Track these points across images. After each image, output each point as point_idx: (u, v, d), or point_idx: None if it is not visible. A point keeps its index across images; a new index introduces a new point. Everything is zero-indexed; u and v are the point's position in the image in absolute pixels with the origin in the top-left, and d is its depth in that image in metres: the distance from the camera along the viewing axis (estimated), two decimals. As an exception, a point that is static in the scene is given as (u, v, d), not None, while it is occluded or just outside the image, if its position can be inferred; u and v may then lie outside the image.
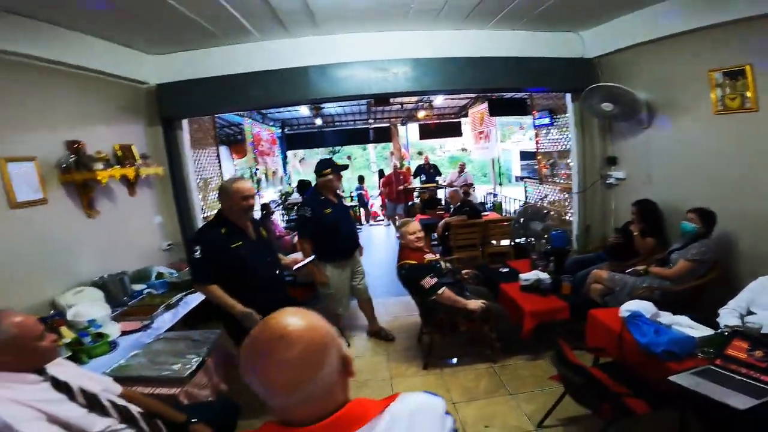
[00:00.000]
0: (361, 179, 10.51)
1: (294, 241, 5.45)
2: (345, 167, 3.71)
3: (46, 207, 2.89)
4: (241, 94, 4.34)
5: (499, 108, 7.88)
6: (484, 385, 3.14)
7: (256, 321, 2.36)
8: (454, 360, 3.49)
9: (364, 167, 19.99)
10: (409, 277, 3.26)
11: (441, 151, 22.29)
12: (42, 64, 2.99)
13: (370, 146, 17.75)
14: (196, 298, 3.36)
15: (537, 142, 6.02)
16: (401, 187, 8.68)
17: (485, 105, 8.52)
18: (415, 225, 3.42)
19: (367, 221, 10.64)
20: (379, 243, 8.42)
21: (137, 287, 3.43)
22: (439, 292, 3.15)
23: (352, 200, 10.19)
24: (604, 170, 4.72)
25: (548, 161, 5.77)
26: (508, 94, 7.70)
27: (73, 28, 3.16)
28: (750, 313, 2.41)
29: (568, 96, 4.95)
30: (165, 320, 2.98)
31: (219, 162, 5.64)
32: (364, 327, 4.17)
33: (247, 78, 4.27)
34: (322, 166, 3.71)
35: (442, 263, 3.50)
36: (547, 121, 5.67)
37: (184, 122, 4.58)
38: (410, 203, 8.83)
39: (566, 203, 5.40)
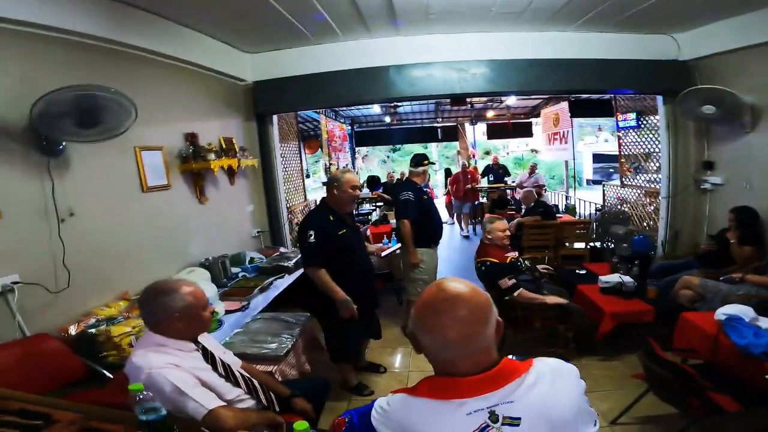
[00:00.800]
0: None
1: (367, 233, 5.68)
2: (432, 163, 3.93)
3: (168, 192, 3.29)
4: (328, 92, 4.60)
5: (579, 109, 7.64)
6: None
7: (352, 309, 2.63)
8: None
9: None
10: (488, 275, 3.32)
11: (504, 152, 21.84)
12: (165, 60, 3.35)
13: (432, 145, 17.74)
14: (283, 283, 3.64)
15: (620, 145, 5.79)
16: (468, 186, 8.64)
17: (560, 106, 8.28)
18: (504, 223, 3.45)
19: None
20: (443, 241, 8.41)
21: (233, 270, 3.73)
22: (516, 293, 3.19)
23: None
24: (699, 175, 4.52)
25: (632, 164, 5.54)
26: (591, 96, 7.45)
27: (188, 25, 3.48)
28: None
29: (659, 98, 4.77)
30: (259, 302, 3.22)
31: (300, 156, 5.99)
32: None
33: (332, 77, 4.51)
34: (422, 158, 3.89)
35: (522, 260, 3.52)
36: (633, 123, 5.45)
37: (275, 118, 4.93)
38: (476, 202, 8.77)
39: (649, 208, 5.18)
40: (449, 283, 0.98)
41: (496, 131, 10.54)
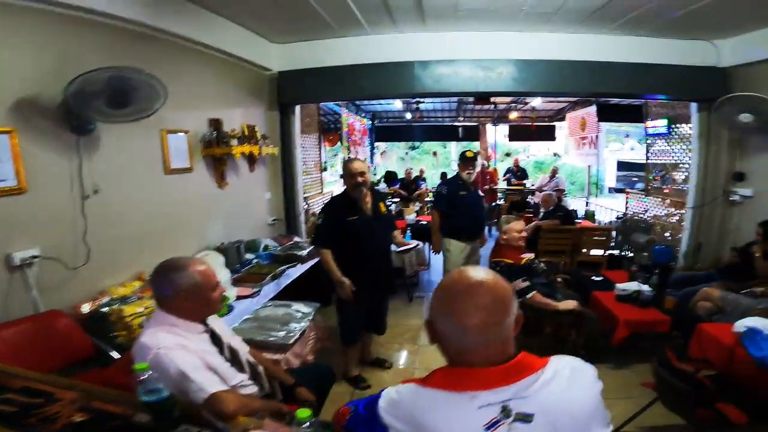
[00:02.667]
0: (443, 176, 10.51)
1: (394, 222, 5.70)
2: (473, 158, 3.96)
3: (190, 175, 3.35)
4: (351, 85, 4.60)
5: (609, 113, 7.47)
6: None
7: (347, 291, 2.74)
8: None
9: (444, 165, 19.94)
10: (503, 275, 3.28)
11: (525, 155, 21.56)
12: (195, 47, 3.41)
13: (452, 144, 17.63)
14: (296, 272, 3.68)
15: (647, 152, 5.67)
16: (486, 187, 8.58)
17: (587, 109, 8.12)
18: (521, 224, 3.42)
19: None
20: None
21: (248, 256, 3.77)
22: (529, 296, 3.14)
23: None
24: (729, 186, 4.40)
25: (659, 172, 5.42)
26: (621, 100, 7.29)
27: (217, 12, 3.52)
28: None
29: (694, 105, 4.65)
30: (270, 289, 3.25)
31: (319, 148, 6.03)
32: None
33: (356, 69, 4.51)
34: (460, 156, 4.06)
35: (538, 262, 3.48)
36: (663, 130, 5.33)
37: (297, 108, 4.96)
38: (494, 204, 8.70)
39: (673, 219, 5.06)
40: (471, 270, 0.97)
41: (518, 133, 10.41)
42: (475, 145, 11.05)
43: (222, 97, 3.82)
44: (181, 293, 1.53)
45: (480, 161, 10.49)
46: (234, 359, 1.70)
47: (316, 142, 5.97)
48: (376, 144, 12.13)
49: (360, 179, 2.80)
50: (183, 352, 1.46)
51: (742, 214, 4.26)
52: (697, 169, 4.59)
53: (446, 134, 10.87)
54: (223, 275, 2.97)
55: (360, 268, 2.85)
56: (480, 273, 0.96)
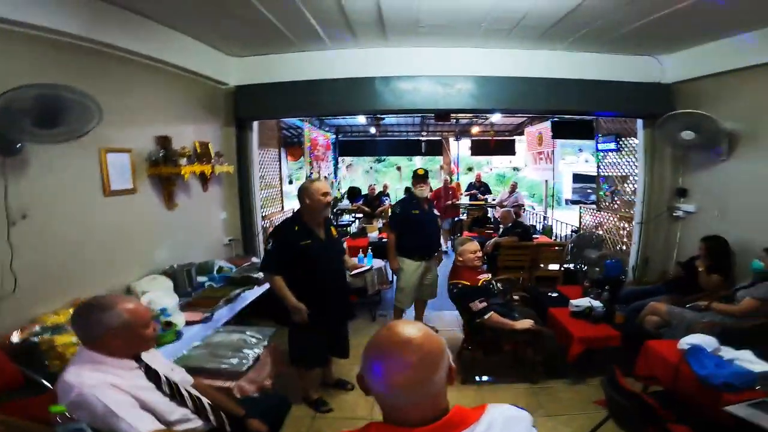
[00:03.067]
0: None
1: (344, 246, 5.61)
2: (424, 176, 4.05)
3: (134, 197, 3.17)
4: (311, 101, 4.53)
5: (562, 130, 7.72)
6: (521, 404, 3.08)
7: (302, 316, 2.65)
8: (493, 378, 3.48)
9: (408, 178, 20.12)
10: (459, 297, 3.33)
11: (488, 167, 22.11)
12: (142, 60, 3.26)
13: (417, 158, 17.85)
14: (252, 294, 3.55)
15: (598, 167, 5.88)
16: (449, 202, 8.67)
17: (544, 125, 8.38)
18: (474, 244, 3.46)
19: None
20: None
21: (200, 279, 3.62)
22: (486, 316, 3.18)
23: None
24: (672, 202, 4.53)
25: (609, 188, 5.62)
26: (574, 117, 7.51)
27: (171, 26, 3.41)
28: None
29: (640, 122, 4.80)
30: (223, 314, 3.13)
31: (279, 163, 5.91)
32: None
33: (317, 85, 4.45)
34: (412, 175, 4.13)
35: (494, 283, 3.51)
36: (612, 146, 5.52)
37: (255, 124, 4.85)
38: (456, 219, 8.80)
39: (623, 232, 5.24)
40: (402, 326, 0.93)
41: (480, 147, 10.64)
42: (438, 160, 11.23)
43: (172, 113, 3.67)
44: (110, 332, 1.48)
45: (443, 175, 10.67)
46: (174, 393, 1.64)
47: (277, 156, 5.85)
48: (341, 158, 12.11)
49: (328, 198, 2.82)
50: (111, 391, 1.41)
51: (686, 230, 4.40)
52: (643, 185, 4.74)
53: (410, 149, 10.97)
54: (170, 300, 2.80)
55: (317, 293, 2.78)
56: (409, 329, 0.92)
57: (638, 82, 4.43)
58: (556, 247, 5.60)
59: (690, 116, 3.90)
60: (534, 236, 6.22)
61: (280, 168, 5.92)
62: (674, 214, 4.49)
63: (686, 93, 4.33)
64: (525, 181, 15.72)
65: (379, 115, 8.24)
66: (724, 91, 3.91)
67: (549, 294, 4.26)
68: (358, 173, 22.19)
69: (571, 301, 3.69)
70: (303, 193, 2.80)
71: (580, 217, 6.50)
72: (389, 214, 3.87)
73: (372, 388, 0.91)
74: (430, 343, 0.91)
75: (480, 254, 3.44)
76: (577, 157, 15.11)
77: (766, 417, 1.87)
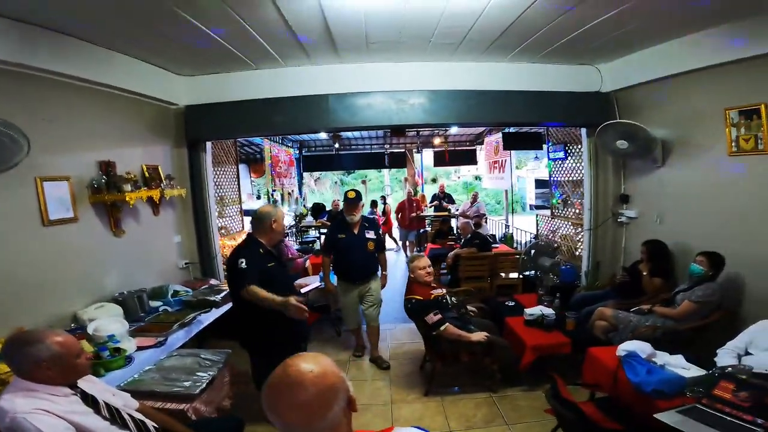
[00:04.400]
0: (374, 204, 10.61)
1: (306, 264, 5.59)
2: (355, 199, 3.95)
3: (75, 225, 3.07)
4: (265, 119, 4.51)
5: (513, 142, 7.93)
6: (482, 414, 3.19)
7: (299, 306, 2.55)
8: (456, 388, 3.53)
9: (378, 189, 20.22)
10: (414, 311, 3.41)
11: (456, 176, 22.47)
12: (79, 83, 3.18)
13: (386, 170, 17.98)
14: (209, 317, 3.49)
15: (550, 176, 6.08)
16: (413, 214, 8.76)
17: (499, 135, 8.63)
18: (425, 260, 3.53)
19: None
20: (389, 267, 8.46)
21: (154, 304, 3.57)
22: (442, 328, 3.26)
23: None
24: (616, 208, 4.70)
25: (561, 196, 5.81)
26: (524, 128, 7.72)
27: (111, 47, 3.34)
28: (748, 353, 2.47)
29: (584, 131, 4.94)
30: (178, 337, 3.09)
31: (238, 181, 5.82)
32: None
33: (271, 103, 4.44)
34: (346, 193, 4.06)
35: (449, 297, 3.57)
36: (561, 155, 5.72)
37: (208, 144, 4.78)
38: (421, 230, 8.89)
39: (577, 238, 5.42)
40: (297, 364, 0.95)
41: (442, 159, 10.80)
42: (403, 172, 11.33)
43: (115, 136, 3.58)
44: (41, 364, 1.55)
45: (407, 187, 10.78)
46: (115, 417, 1.72)
47: (234, 175, 5.77)
48: (306, 173, 12.04)
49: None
50: (45, 416, 1.48)
51: (630, 234, 4.59)
52: (590, 193, 4.89)
53: (374, 162, 11.01)
54: (118, 327, 2.80)
55: (281, 315, 2.72)
56: (304, 367, 0.94)
57: (580, 91, 4.55)
58: (515, 256, 5.74)
59: (622, 126, 4.06)
60: (494, 246, 6.37)
61: (239, 186, 5.82)
62: (619, 219, 4.67)
63: (624, 101, 4.50)
64: (490, 190, 16.07)
65: (338, 132, 8.26)
66: (657, 99, 4.07)
67: (506, 303, 4.35)
68: (326, 186, 22.15)
69: (525, 309, 3.79)
70: (269, 218, 2.81)
71: (537, 224, 6.68)
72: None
73: (273, 423, 0.94)
74: (323, 381, 0.93)
75: (430, 270, 3.53)
76: (539, 164, 15.58)
77: (695, 424, 1.90)
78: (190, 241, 4.63)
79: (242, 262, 2.68)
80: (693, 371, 2.37)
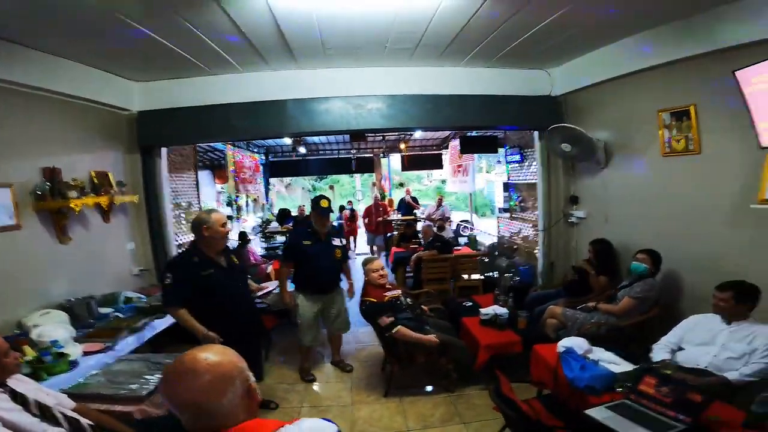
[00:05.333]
0: (341, 209, 10.62)
1: (268, 270, 5.55)
2: (328, 210, 3.68)
3: (19, 233, 2.98)
4: (222, 125, 4.48)
5: (470, 145, 8.09)
6: (440, 413, 3.24)
7: (217, 343, 2.57)
8: (414, 389, 3.58)
9: (350, 194, 20.21)
10: (368, 313, 3.45)
11: (428, 180, 22.62)
12: (23, 89, 3.10)
13: (357, 175, 17.99)
14: (163, 323, 3.47)
15: (509, 178, 6.25)
16: (380, 219, 8.82)
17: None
18: (378, 263, 3.59)
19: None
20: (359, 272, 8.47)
21: (105, 310, 3.53)
22: (394, 331, 3.31)
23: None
24: (567, 209, 4.86)
25: (518, 198, 5.98)
26: (480, 132, 7.84)
27: (59, 54, 3.29)
28: (681, 348, 2.59)
29: (536, 134, 5.07)
30: (129, 343, 3.09)
31: (197, 187, 5.73)
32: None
33: (228, 109, 4.41)
34: (318, 199, 3.73)
35: (403, 299, 3.63)
36: (518, 158, 5.89)
37: (164, 150, 4.70)
38: (389, 235, 8.96)
39: (535, 239, 5.58)
40: (195, 353, 1.01)
41: (409, 163, 10.90)
42: (371, 176, 11.38)
43: (62, 142, 3.49)
44: None
45: (375, 192, 10.83)
46: (45, 414, 1.76)
47: (193, 181, 5.67)
48: (281, 178, 11.92)
49: (227, 228, 2.86)
50: None
51: (580, 234, 4.74)
52: (543, 194, 5.05)
53: (341, 167, 11.01)
54: (63, 332, 2.79)
55: (225, 320, 2.76)
56: (199, 356, 1.00)
57: (532, 95, 4.67)
58: (475, 258, 5.87)
59: (565, 129, 4.21)
60: (457, 248, 6.49)
61: (198, 193, 5.73)
62: (569, 220, 4.84)
63: (572, 104, 4.65)
64: (464, 194, 16.29)
65: (299, 137, 8.22)
66: (600, 102, 4.24)
67: (464, 304, 4.43)
68: (297, 192, 21.93)
69: (480, 309, 3.87)
70: (203, 224, 2.77)
71: (498, 226, 6.85)
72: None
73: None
74: (217, 369, 0.98)
75: (384, 272, 3.59)
76: (502, 167, 15.91)
77: (622, 420, 1.94)
78: (144, 249, 4.53)
79: (168, 278, 2.69)
80: (623, 366, 2.43)
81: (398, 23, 3.25)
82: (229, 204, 10.38)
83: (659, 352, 2.61)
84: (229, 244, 3.06)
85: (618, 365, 2.44)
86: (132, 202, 4.07)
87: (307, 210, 9.05)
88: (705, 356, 2.39)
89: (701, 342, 2.48)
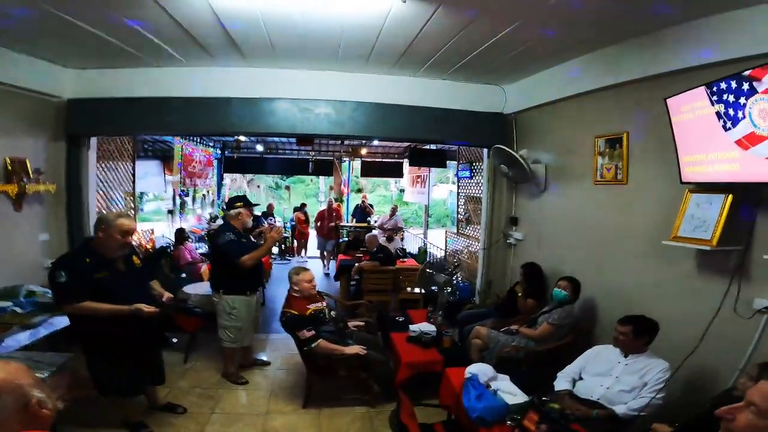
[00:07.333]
0: (295, 210, 10.41)
1: (202, 270, 5.33)
2: (255, 205, 3.81)
3: None
4: (156, 119, 4.28)
5: (419, 157, 8.08)
6: (356, 428, 3.17)
7: (141, 309, 2.50)
8: (334, 402, 3.49)
9: (312, 195, 19.94)
10: (288, 326, 3.34)
11: (396, 187, 22.60)
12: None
13: (321, 177, 17.77)
14: (63, 320, 3.25)
15: (458, 195, 6.28)
16: (332, 224, 8.71)
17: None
18: (309, 274, 3.48)
19: (298, 254, 10.41)
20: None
21: (3, 304, 3.27)
22: (313, 345, 3.21)
23: (285, 230, 9.94)
24: (507, 229, 4.88)
25: (464, 214, 6.02)
26: (429, 145, 7.80)
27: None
28: (581, 378, 2.62)
29: (485, 151, 5.05)
30: (20, 339, 2.96)
31: (133, 178, 5.45)
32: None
33: (165, 102, 4.23)
34: (235, 200, 3.77)
35: (327, 311, 3.54)
36: (467, 174, 5.93)
37: (93, 140, 4.44)
38: (340, 240, 8.85)
39: (476, 256, 5.61)
40: None
41: (369, 169, 10.83)
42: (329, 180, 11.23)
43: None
44: None
45: (331, 196, 10.72)
46: None
47: (130, 171, 5.39)
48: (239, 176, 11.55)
49: (130, 239, 2.68)
50: None
51: (516, 256, 4.77)
52: (486, 212, 5.07)
53: (299, 168, 10.78)
54: None
55: (118, 327, 2.57)
56: None
57: (485, 111, 4.64)
58: (417, 271, 5.85)
59: (499, 151, 4.24)
60: (403, 260, 6.46)
61: (134, 184, 5.45)
62: (508, 240, 4.86)
63: (521, 124, 4.66)
64: (431, 203, 16.34)
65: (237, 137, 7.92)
66: (546, 123, 4.24)
67: (397, 318, 4.38)
68: (259, 189, 21.39)
69: (410, 326, 3.83)
70: (101, 225, 2.59)
71: (446, 241, 6.89)
72: (226, 244, 3.53)
73: None
74: None
75: (315, 283, 3.50)
76: (456, 182, 16.12)
77: None
78: (60, 241, 4.22)
79: (61, 275, 2.47)
80: (518, 398, 2.37)
81: (348, 28, 3.17)
82: (187, 195, 9.96)
83: (561, 380, 2.64)
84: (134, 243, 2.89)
85: (514, 396, 2.39)
86: (48, 191, 3.79)
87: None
88: (599, 388, 2.43)
89: (598, 373, 2.52)
